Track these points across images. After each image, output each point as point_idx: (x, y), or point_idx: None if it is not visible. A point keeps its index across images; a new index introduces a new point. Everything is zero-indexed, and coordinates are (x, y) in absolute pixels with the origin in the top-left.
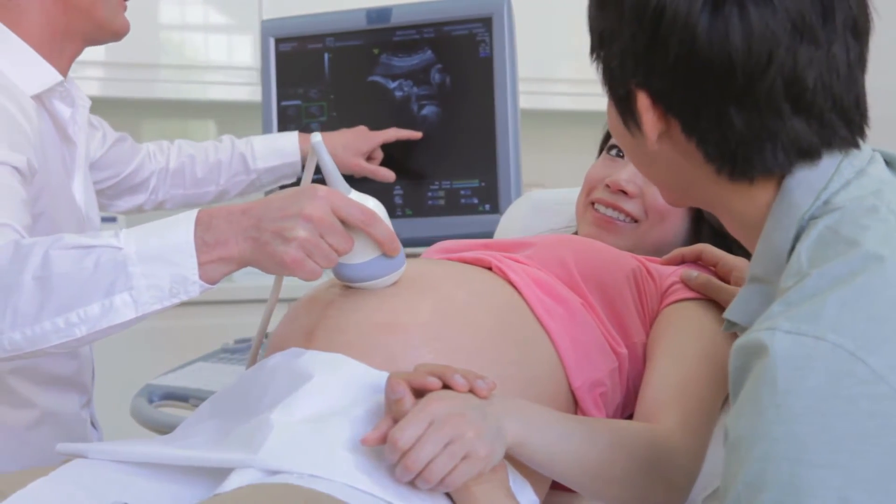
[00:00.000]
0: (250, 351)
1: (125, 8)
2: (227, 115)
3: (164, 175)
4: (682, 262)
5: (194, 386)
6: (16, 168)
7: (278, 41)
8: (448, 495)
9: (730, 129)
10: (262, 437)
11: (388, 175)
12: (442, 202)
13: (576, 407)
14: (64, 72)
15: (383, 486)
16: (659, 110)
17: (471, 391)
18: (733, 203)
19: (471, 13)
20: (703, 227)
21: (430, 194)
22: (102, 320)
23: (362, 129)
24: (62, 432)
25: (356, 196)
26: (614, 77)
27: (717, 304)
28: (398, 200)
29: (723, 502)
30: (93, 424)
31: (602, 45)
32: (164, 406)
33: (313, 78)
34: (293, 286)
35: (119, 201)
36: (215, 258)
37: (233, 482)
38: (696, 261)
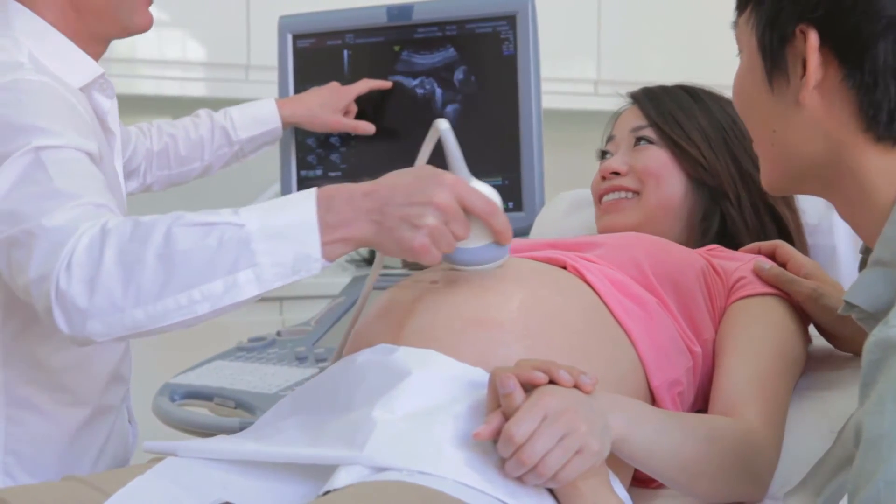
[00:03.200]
0: (336, 350)
1: (148, 3)
2: (182, 111)
3: (150, 157)
4: (757, 253)
5: (217, 385)
6: (90, 154)
7: (296, 37)
8: (552, 493)
9: None
10: (364, 434)
11: (368, 128)
12: None
13: (654, 406)
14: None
15: (493, 483)
16: (824, 55)
17: (575, 386)
18: (866, 171)
19: (495, 11)
20: (698, 185)
21: None
22: (225, 297)
23: (335, 84)
24: (108, 429)
25: (476, 184)
26: (780, 18)
27: (785, 300)
28: None
29: (854, 498)
30: (129, 420)
31: None
32: (187, 405)
33: (332, 75)
34: (310, 284)
35: None
36: (337, 238)
37: (341, 479)
38: (770, 255)
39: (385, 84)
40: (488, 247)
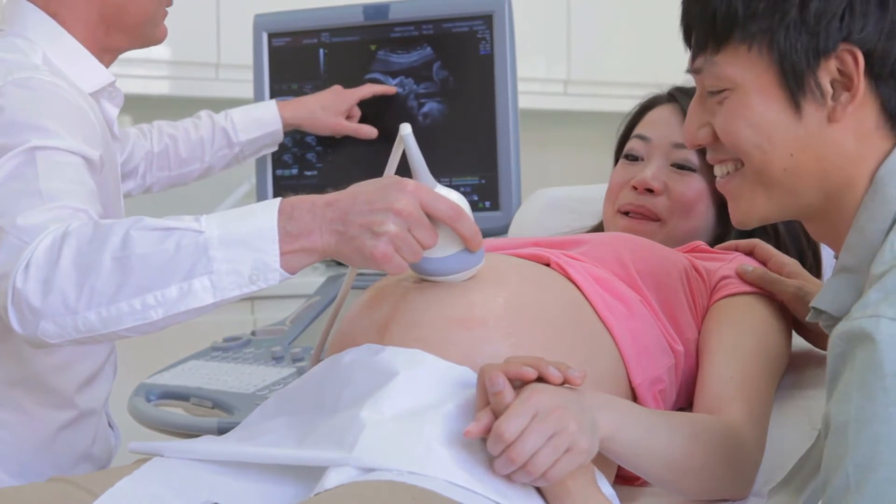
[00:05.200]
0: (315, 349)
1: (166, 14)
2: (144, 110)
3: (150, 159)
4: (735, 250)
5: (194, 385)
6: (88, 160)
7: (271, 36)
8: (540, 492)
9: None
10: (354, 434)
11: (370, 132)
12: None
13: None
14: None
15: (483, 482)
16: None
17: (564, 381)
18: (864, 179)
19: (471, 10)
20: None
21: None
22: (180, 304)
23: (338, 88)
24: (91, 433)
25: (441, 190)
26: (813, 41)
27: (767, 298)
28: None
29: (827, 486)
30: (109, 424)
31: (808, 3)
32: (163, 405)
33: (308, 73)
34: (281, 283)
35: None
36: (297, 248)
37: (331, 480)
38: (749, 254)
39: (390, 89)
40: (458, 255)
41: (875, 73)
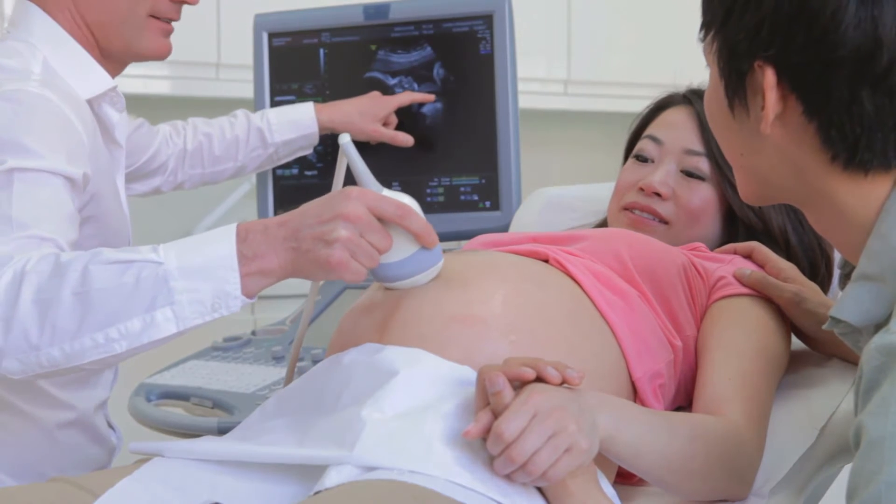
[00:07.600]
0: (290, 360)
1: (164, 31)
2: (144, 110)
3: (182, 156)
4: (733, 253)
5: (194, 384)
6: (70, 179)
7: (272, 36)
8: (541, 492)
9: (858, 114)
10: (354, 433)
11: (406, 140)
12: (441, 199)
13: (635, 398)
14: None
15: (483, 482)
16: (782, 89)
17: (563, 381)
18: (839, 195)
19: (472, 10)
20: (739, 228)
21: (428, 191)
22: (143, 336)
23: (376, 94)
24: (89, 434)
25: (388, 193)
26: (737, 52)
27: (766, 300)
28: None
29: (854, 498)
30: (110, 425)
31: (730, 16)
32: (163, 405)
33: (308, 73)
34: (282, 283)
35: (136, 185)
36: (254, 271)
37: (332, 479)
38: (747, 257)
39: (428, 97)
40: (415, 255)
41: (800, 93)
